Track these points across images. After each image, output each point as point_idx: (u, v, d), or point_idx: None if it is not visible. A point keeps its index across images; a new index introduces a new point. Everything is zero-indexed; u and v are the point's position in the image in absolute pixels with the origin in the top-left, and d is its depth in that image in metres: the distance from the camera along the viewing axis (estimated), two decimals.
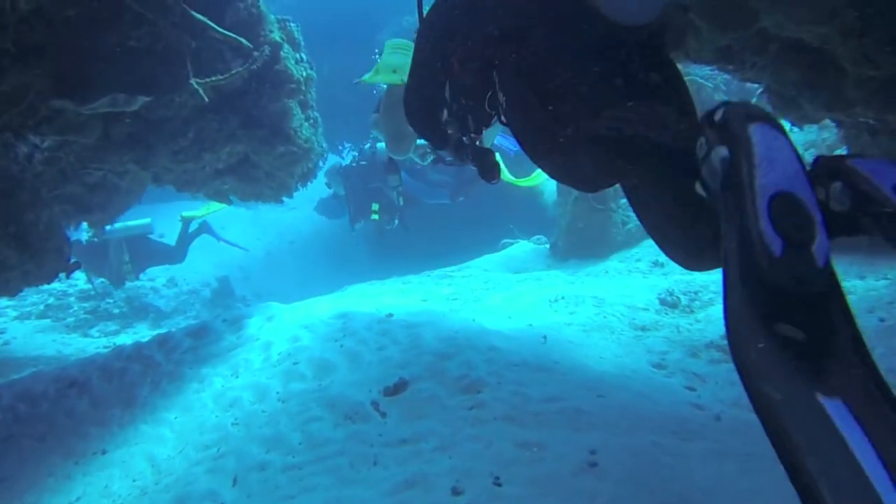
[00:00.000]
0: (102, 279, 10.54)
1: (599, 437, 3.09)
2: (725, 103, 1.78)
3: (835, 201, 1.63)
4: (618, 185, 2.68)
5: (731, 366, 4.01)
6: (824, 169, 1.67)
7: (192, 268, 12.23)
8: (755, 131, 1.63)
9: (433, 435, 3.33)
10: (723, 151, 1.68)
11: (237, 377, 4.59)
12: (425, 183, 11.62)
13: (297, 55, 6.68)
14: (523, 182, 11.22)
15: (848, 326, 1.53)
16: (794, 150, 1.61)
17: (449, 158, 3.63)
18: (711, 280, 5.84)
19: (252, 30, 6.02)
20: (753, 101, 3.88)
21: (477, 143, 3.25)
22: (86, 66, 4.64)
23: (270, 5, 6.50)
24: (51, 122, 4.77)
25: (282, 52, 6.33)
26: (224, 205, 8.86)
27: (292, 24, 6.75)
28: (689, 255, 2.52)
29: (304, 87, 6.65)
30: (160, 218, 12.14)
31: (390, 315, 5.26)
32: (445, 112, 3.23)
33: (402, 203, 10.96)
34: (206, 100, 5.55)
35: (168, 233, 11.98)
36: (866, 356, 1.49)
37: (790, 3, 2.97)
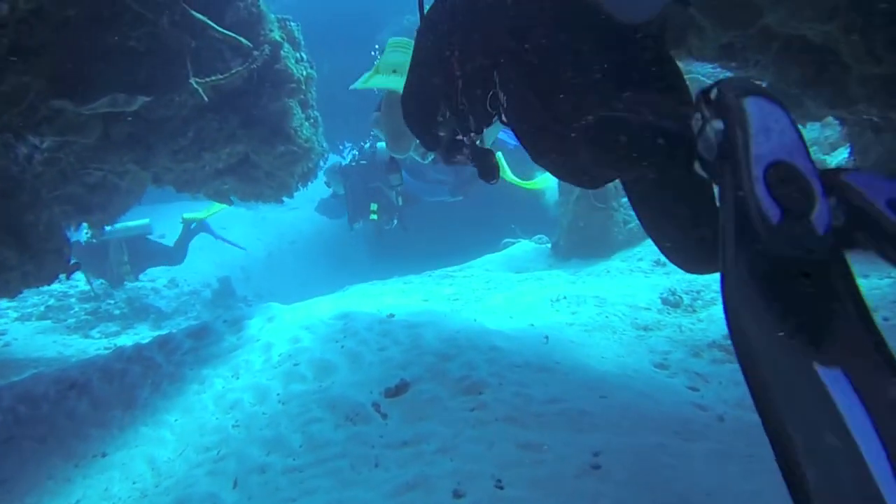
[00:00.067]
0: (101, 280, 10.53)
1: (602, 439, 3.07)
2: (720, 81, 1.77)
3: None
4: (619, 184, 2.66)
5: (735, 366, 4.00)
6: None
7: (193, 268, 12.22)
8: (750, 103, 1.62)
9: (434, 436, 3.31)
10: (718, 124, 1.67)
11: (238, 378, 4.57)
12: (425, 181, 11.62)
13: (298, 54, 6.66)
14: (528, 185, 11.20)
15: (851, 296, 1.50)
16: (791, 121, 1.59)
17: (442, 158, 3.62)
18: (713, 279, 5.76)
19: (252, 29, 6.01)
20: None
21: (477, 142, 3.23)
22: (85, 66, 4.63)
23: (270, 4, 6.48)
24: (51, 123, 4.76)
25: (282, 52, 6.31)
26: (225, 206, 8.85)
27: (292, 24, 6.74)
28: (689, 257, 2.51)
29: (304, 87, 6.63)
30: (161, 219, 12.14)
31: (391, 315, 5.24)
32: (443, 112, 3.21)
33: (401, 203, 10.94)
34: (206, 99, 5.53)
35: (169, 234, 11.98)
36: (871, 327, 1.46)
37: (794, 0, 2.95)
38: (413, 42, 3.29)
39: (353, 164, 11.49)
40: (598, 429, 3.20)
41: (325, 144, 7.28)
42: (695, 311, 5.50)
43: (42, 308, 10.13)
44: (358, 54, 9.14)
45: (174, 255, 11.35)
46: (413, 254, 12.06)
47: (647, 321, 5.26)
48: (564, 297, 6.00)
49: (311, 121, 6.87)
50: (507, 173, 10.10)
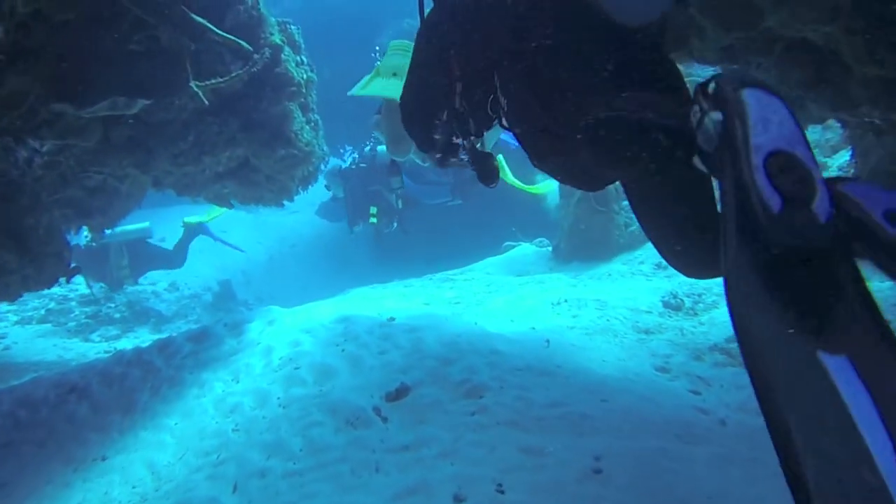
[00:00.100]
0: (101, 284, 10.51)
1: (603, 443, 3.06)
2: (718, 74, 1.77)
3: None
4: (620, 187, 2.66)
5: (737, 369, 4.00)
6: None
7: (194, 272, 12.21)
8: (748, 94, 1.61)
9: (435, 441, 3.30)
10: (716, 115, 1.67)
11: (238, 382, 4.56)
12: (424, 184, 11.61)
13: (298, 58, 6.66)
14: (529, 189, 11.18)
15: (855, 284, 1.49)
16: (790, 112, 1.59)
17: (435, 161, 3.62)
18: (715, 282, 5.79)
19: (252, 32, 6.00)
20: None
21: (477, 146, 3.23)
22: (85, 70, 4.62)
23: (271, 8, 6.48)
24: (50, 126, 4.75)
25: (282, 55, 6.31)
26: (225, 209, 8.85)
27: (293, 27, 6.73)
28: (689, 260, 2.51)
29: (304, 90, 6.63)
30: (161, 222, 12.14)
31: (392, 319, 5.23)
32: (441, 115, 3.21)
33: (400, 206, 10.94)
34: (206, 103, 5.53)
35: (169, 237, 11.97)
36: (877, 315, 1.45)
37: (795, 1, 2.94)
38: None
39: (353, 167, 11.49)
40: (600, 433, 3.19)
41: (325, 148, 7.28)
42: (696, 314, 5.49)
43: (42, 311, 10.12)
44: (358, 58, 9.15)
45: (174, 258, 11.34)
46: (414, 257, 12.07)
47: (649, 324, 5.25)
48: (565, 301, 5.99)
49: (312, 124, 6.87)
50: (507, 175, 10.09)
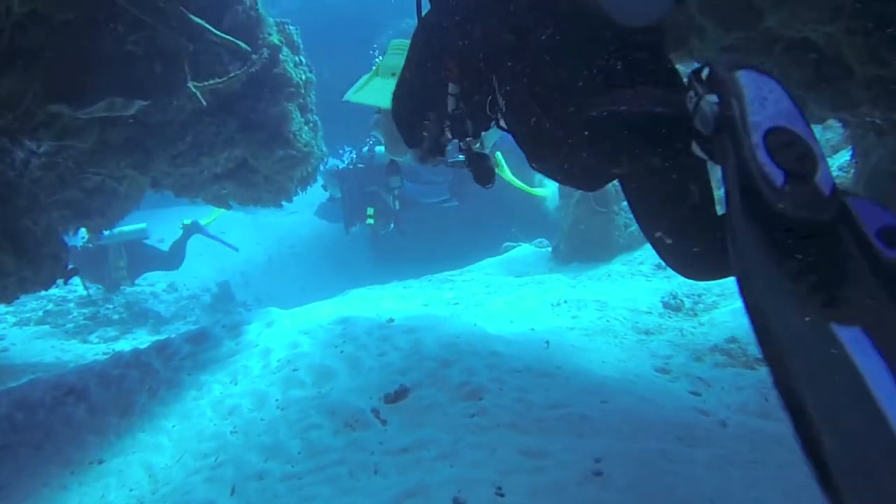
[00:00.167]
0: (98, 285, 10.49)
1: (603, 444, 3.04)
2: (710, 60, 1.80)
3: None
4: (619, 188, 2.66)
5: (737, 370, 3.99)
6: None
7: (193, 273, 12.20)
8: (742, 75, 1.63)
9: (434, 443, 3.28)
10: (712, 98, 1.69)
11: (236, 384, 4.54)
12: (421, 183, 11.60)
13: (297, 58, 6.64)
14: (529, 190, 11.15)
15: (864, 256, 1.49)
16: (785, 90, 1.60)
17: (418, 158, 3.63)
18: (714, 283, 5.79)
19: (250, 33, 5.98)
20: None
21: (476, 146, 3.21)
22: (82, 70, 4.60)
23: (270, 8, 6.46)
24: (48, 127, 4.73)
25: (281, 56, 6.29)
26: (224, 210, 8.83)
27: (291, 27, 6.72)
28: (688, 260, 2.51)
29: (303, 91, 6.61)
30: (159, 223, 12.13)
31: (391, 320, 5.21)
32: (433, 114, 3.21)
33: (398, 207, 10.93)
34: (204, 103, 5.51)
35: (168, 238, 11.95)
36: (890, 285, 1.45)
37: (796, 1, 2.92)
38: None
39: (351, 167, 11.48)
40: (600, 434, 3.17)
41: (324, 148, 7.27)
42: (696, 314, 5.48)
43: (40, 313, 10.10)
44: (358, 58, 9.14)
45: (171, 259, 11.32)
46: (413, 258, 12.05)
47: (649, 325, 5.23)
48: (565, 302, 5.98)
49: (311, 125, 6.85)
50: (505, 172, 10.04)
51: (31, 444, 4.28)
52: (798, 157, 1.49)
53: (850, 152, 5.10)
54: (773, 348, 1.38)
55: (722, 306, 5.45)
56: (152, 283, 11.68)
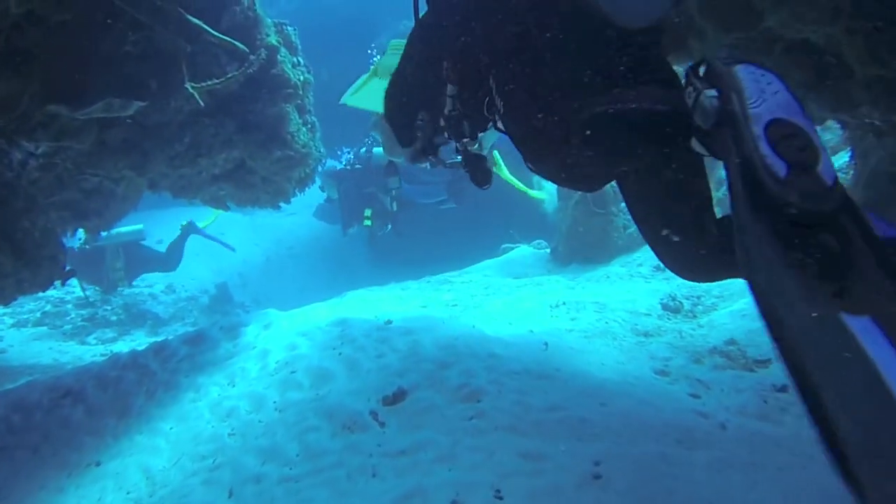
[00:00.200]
0: (95, 287, 10.46)
1: (602, 447, 3.03)
2: (707, 56, 1.82)
3: None
4: (617, 189, 2.66)
5: (736, 372, 3.97)
6: None
7: (191, 274, 12.19)
8: (740, 70, 1.66)
9: (432, 445, 3.27)
10: (711, 92, 1.70)
11: (234, 386, 4.53)
12: (419, 184, 11.58)
13: (295, 59, 6.63)
14: (529, 191, 11.12)
15: (869, 245, 1.50)
16: (784, 84, 1.62)
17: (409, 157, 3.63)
18: (713, 284, 5.78)
19: (248, 33, 5.97)
20: None
21: (475, 147, 3.21)
22: (80, 71, 4.59)
23: (268, 9, 6.45)
24: (45, 128, 4.71)
25: (279, 56, 6.28)
26: (222, 212, 8.81)
27: (289, 28, 6.70)
28: (686, 262, 2.50)
29: (301, 92, 6.59)
30: (158, 225, 12.10)
31: (389, 322, 5.20)
32: (427, 114, 3.21)
33: (395, 208, 10.91)
34: (202, 104, 5.49)
35: (166, 240, 11.93)
36: (895, 274, 1.46)
37: (796, 2, 2.91)
38: None
39: (348, 168, 11.46)
40: (599, 437, 3.16)
41: (322, 150, 7.25)
42: (695, 316, 5.47)
43: (38, 314, 10.09)
44: (356, 59, 9.12)
45: (168, 260, 11.29)
46: (411, 259, 12.05)
47: (648, 327, 5.22)
48: (564, 303, 5.97)
49: (309, 126, 6.83)
50: (503, 170, 10.00)
51: (28, 447, 4.27)
52: (799, 148, 1.50)
53: (848, 154, 5.10)
54: (785, 338, 1.40)
55: (721, 308, 5.44)
56: (150, 285, 11.66)
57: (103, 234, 9.18)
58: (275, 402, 4.17)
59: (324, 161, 7.72)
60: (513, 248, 10.75)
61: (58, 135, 4.80)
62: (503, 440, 3.20)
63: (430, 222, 12.73)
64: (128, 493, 3.65)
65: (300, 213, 14.45)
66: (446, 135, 3.20)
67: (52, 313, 10.15)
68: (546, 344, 4.63)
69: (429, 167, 3.84)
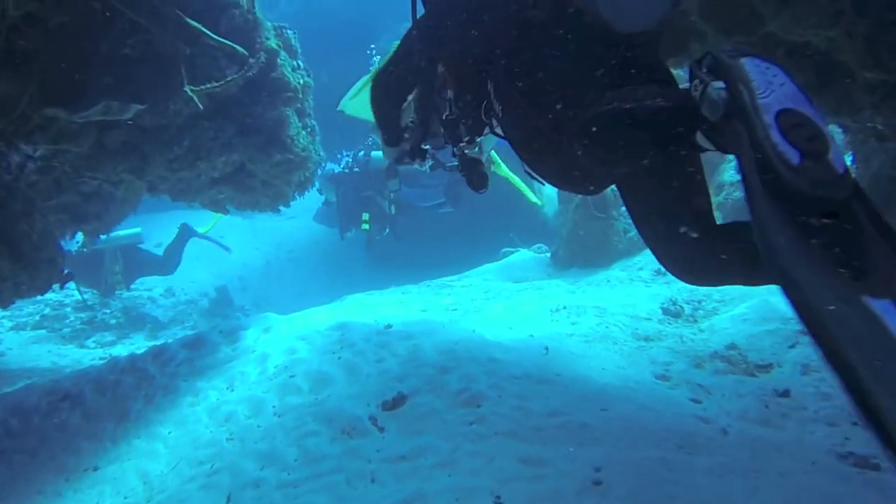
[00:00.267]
0: (92, 290, 10.43)
1: (603, 453, 3.01)
2: (710, 50, 1.82)
3: None
4: (618, 193, 2.65)
5: (737, 377, 3.97)
6: None
7: (190, 277, 12.16)
8: (746, 62, 1.68)
9: (432, 451, 3.24)
10: (718, 84, 1.72)
11: (232, 390, 4.51)
12: (418, 187, 11.57)
13: (294, 62, 6.61)
14: (527, 192, 11.08)
15: (881, 231, 1.54)
16: (788, 75, 1.65)
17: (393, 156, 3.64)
18: (715, 288, 5.77)
19: (248, 37, 5.95)
20: None
21: (475, 150, 3.20)
22: (78, 74, 4.58)
23: (268, 12, 6.43)
24: (43, 131, 4.70)
25: (278, 60, 6.26)
26: (222, 216, 8.79)
27: (289, 32, 6.69)
28: (688, 265, 2.49)
29: (301, 95, 6.58)
30: (157, 228, 12.08)
31: (389, 326, 5.18)
32: (415, 117, 3.22)
33: (393, 212, 10.89)
34: (201, 107, 5.48)
35: (166, 243, 11.90)
36: None
37: (797, 6, 2.90)
38: None
39: (346, 171, 11.44)
40: (600, 443, 3.14)
41: (322, 153, 7.24)
42: (696, 321, 5.45)
43: (37, 317, 10.05)
44: (356, 62, 9.12)
45: (166, 264, 11.25)
46: (411, 263, 12.03)
47: (648, 331, 5.20)
48: (564, 307, 5.95)
49: (308, 129, 6.82)
50: (502, 168, 9.97)
51: (26, 451, 4.25)
52: (810, 137, 1.52)
53: (850, 158, 5.08)
54: (812, 321, 1.43)
55: (722, 313, 5.43)
56: (150, 288, 11.63)
57: (102, 237, 9.15)
58: (274, 407, 4.15)
59: (323, 164, 7.70)
60: (513, 252, 10.74)
61: (56, 138, 4.79)
62: (503, 445, 3.18)
63: (431, 226, 12.71)
64: (125, 497, 3.63)
65: (300, 217, 14.43)
66: (444, 139, 3.19)
67: (51, 316, 10.12)
68: (546, 348, 4.61)
69: (428, 170, 3.83)
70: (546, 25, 2.44)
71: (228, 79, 5.68)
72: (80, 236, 8.93)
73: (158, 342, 6.26)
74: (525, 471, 2.93)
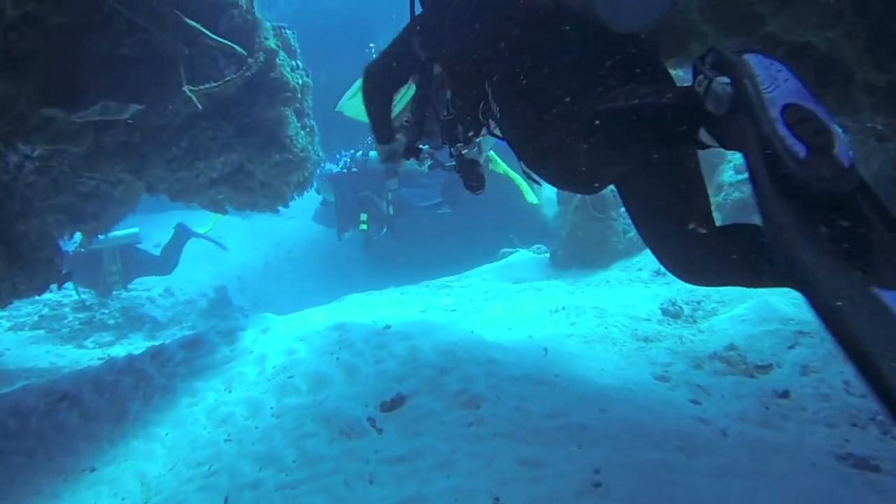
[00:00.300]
0: (90, 290, 10.41)
1: (602, 454, 3.00)
2: (713, 47, 1.84)
3: None
4: (617, 193, 2.65)
5: (737, 378, 3.96)
6: None
7: (189, 277, 12.14)
8: (750, 58, 1.70)
9: (431, 452, 3.23)
10: (723, 79, 1.73)
11: (231, 391, 4.49)
12: (416, 187, 11.55)
13: (293, 62, 6.60)
14: (525, 190, 11.06)
15: (888, 223, 1.57)
16: (792, 71, 1.67)
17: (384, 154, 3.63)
18: (714, 289, 5.76)
19: (247, 36, 5.94)
20: None
21: (475, 150, 3.19)
22: (76, 74, 4.57)
23: (267, 12, 6.42)
24: (41, 131, 4.68)
25: (277, 60, 6.25)
26: (221, 216, 8.77)
27: (288, 32, 6.68)
28: (688, 264, 2.49)
29: (299, 95, 6.57)
30: (155, 228, 12.06)
31: (388, 327, 5.17)
32: (409, 116, 3.22)
33: (391, 212, 10.87)
34: (200, 107, 5.46)
35: (164, 243, 11.88)
36: None
37: (797, 6, 2.90)
38: None
39: (345, 171, 11.43)
40: (599, 444, 3.13)
41: (321, 153, 7.22)
42: (695, 321, 5.44)
43: (35, 317, 10.04)
44: (356, 62, 9.10)
45: (163, 264, 11.22)
46: (410, 264, 12.02)
47: (648, 332, 5.19)
48: (563, 308, 5.94)
49: (307, 129, 6.81)
50: (500, 165, 9.95)
51: (23, 452, 4.24)
52: (816, 131, 1.55)
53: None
54: (830, 316, 1.43)
55: (721, 313, 5.41)
56: (149, 288, 11.61)
57: (100, 237, 9.13)
58: (272, 408, 4.14)
59: (322, 164, 7.69)
60: (512, 253, 10.72)
61: (54, 138, 4.77)
62: (502, 447, 3.17)
63: (430, 227, 12.71)
64: (122, 499, 3.62)
65: (299, 217, 14.42)
66: (441, 139, 3.19)
67: (50, 316, 10.10)
68: (545, 349, 4.60)
69: (426, 170, 3.83)
70: (547, 25, 2.43)
71: (227, 79, 5.66)
72: (78, 236, 8.90)
73: (157, 342, 6.25)
74: (524, 472, 2.92)
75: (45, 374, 7.14)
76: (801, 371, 4.11)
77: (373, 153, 10.95)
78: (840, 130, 1.60)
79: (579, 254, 8.83)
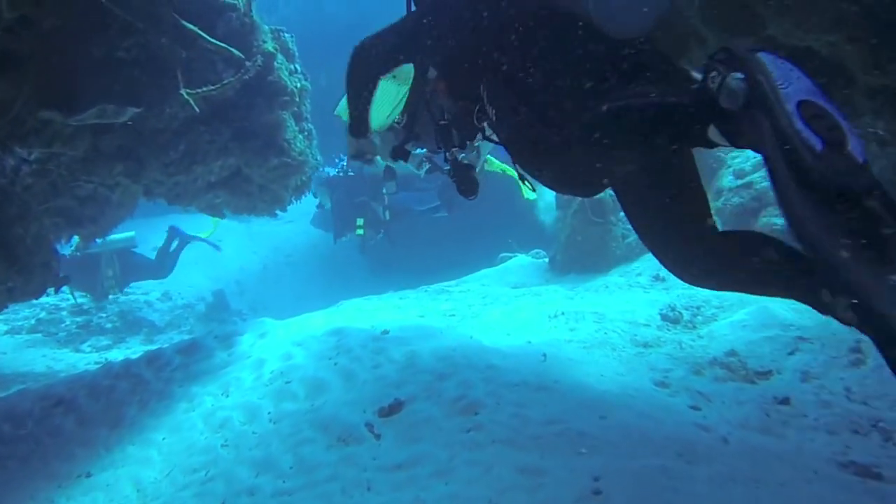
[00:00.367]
0: (87, 293, 10.37)
1: (602, 462, 2.97)
2: (724, 46, 1.85)
3: None
4: (616, 198, 2.65)
5: (737, 384, 3.94)
6: None
7: (187, 281, 12.13)
8: (763, 56, 1.72)
9: (429, 459, 3.21)
10: (738, 75, 1.73)
11: (228, 396, 4.47)
12: (413, 190, 11.53)
13: (292, 66, 6.58)
14: (525, 189, 11.01)
15: None
16: (803, 71, 1.69)
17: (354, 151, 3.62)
18: (714, 294, 5.75)
19: (245, 40, 5.92)
20: None
21: (472, 154, 3.17)
22: (73, 77, 4.55)
23: (266, 16, 6.41)
24: (38, 134, 4.67)
25: (275, 63, 6.23)
26: (219, 220, 8.75)
27: (286, 35, 6.66)
28: (688, 265, 2.48)
29: (297, 99, 6.55)
30: (153, 232, 12.03)
31: (386, 332, 5.14)
32: (400, 118, 3.21)
33: (388, 217, 10.85)
34: (198, 111, 5.44)
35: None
36: None
37: (798, 9, 2.88)
38: None
39: (341, 174, 11.40)
40: (598, 451, 3.10)
41: (319, 157, 7.20)
42: (695, 327, 5.42)
43: (33, 321, 10.03)
44: None
45: (159, 268, 11.18)
46: (409, 268, 12.01)
47: (647, 338, 5.17)
48: (562, 313, 5.92)
49: (305, 133, 6.79)
50: (495, 164, 9.92)
51: (18, 457, 4.21)
52: (830, 127, 1.57)
53: None
54: (856, 293, 1.53)
55: (721, 319, 5.40)
56: (146, 292, 11.60)
57: (97, 241, 9.11)
58: (269, 413, 4.11)
59: (320, 168, 7.67)
60: (511, 258, 10.71)
61: (51, 141, 4.76)
62: (501, 454, 3.14)
63: (428, 231, 12.69)
64: None
65: (297, 221, 14.42)
66: (436, 143, 3.17)
67: (47, 320, 10.09)
68: (544, 355, 4.57)
69: (423, 174, 3.80)
70: (547, 26, 2.42)
71: (225, 82, 5.65)
72: (75, 240, 8.88)
73: (155, 346, 6.22)
74: (523, 480, 2.90)
75: (42, 378, 7.11)
76: (801, 377, 4.09)
77: None
78: (852, 127, 1.61)
79: (578, 259, 8.82)
